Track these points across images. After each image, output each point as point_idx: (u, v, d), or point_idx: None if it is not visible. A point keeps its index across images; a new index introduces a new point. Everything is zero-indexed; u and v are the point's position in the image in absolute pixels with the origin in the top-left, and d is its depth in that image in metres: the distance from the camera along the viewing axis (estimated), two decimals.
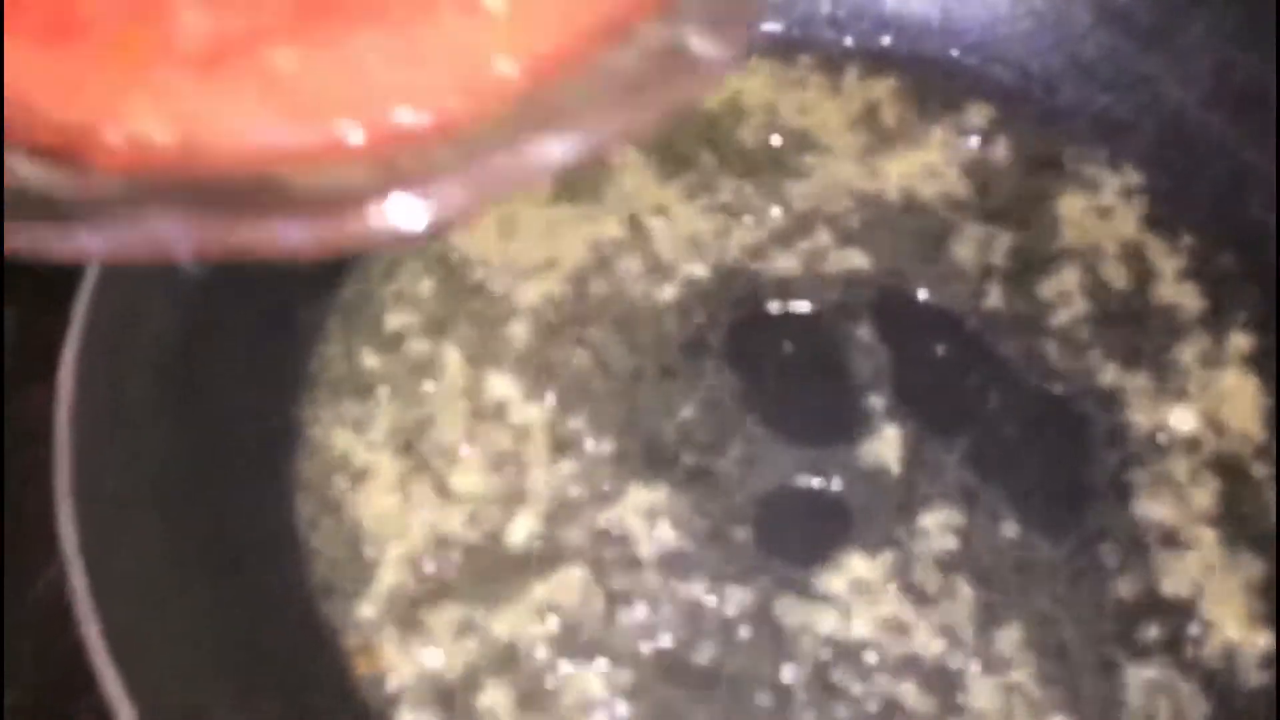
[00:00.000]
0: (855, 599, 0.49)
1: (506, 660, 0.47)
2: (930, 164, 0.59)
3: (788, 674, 0.47)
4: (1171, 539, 0.50)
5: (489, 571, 0.49)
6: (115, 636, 0.40)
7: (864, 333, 0.55)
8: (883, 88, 0.61)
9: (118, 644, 0.40)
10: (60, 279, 0.57)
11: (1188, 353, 0.55)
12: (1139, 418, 0.53)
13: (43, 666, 0.55)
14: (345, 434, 0.52)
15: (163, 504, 0.46)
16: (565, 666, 0.47)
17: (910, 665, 0.47)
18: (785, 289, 0.56)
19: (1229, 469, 0.52)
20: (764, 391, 0.53)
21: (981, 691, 0.47)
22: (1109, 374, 0.54)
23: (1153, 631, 0.48)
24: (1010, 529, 0.50)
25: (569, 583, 0.49)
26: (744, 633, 0.48)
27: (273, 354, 0.52)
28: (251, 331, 0.52)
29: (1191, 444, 0.53)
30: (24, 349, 0.61)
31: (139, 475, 0.45)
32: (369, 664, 0.47)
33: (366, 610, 0.48)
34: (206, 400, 0.49)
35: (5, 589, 0.55)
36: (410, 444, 0.52)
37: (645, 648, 0.48)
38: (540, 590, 0.49)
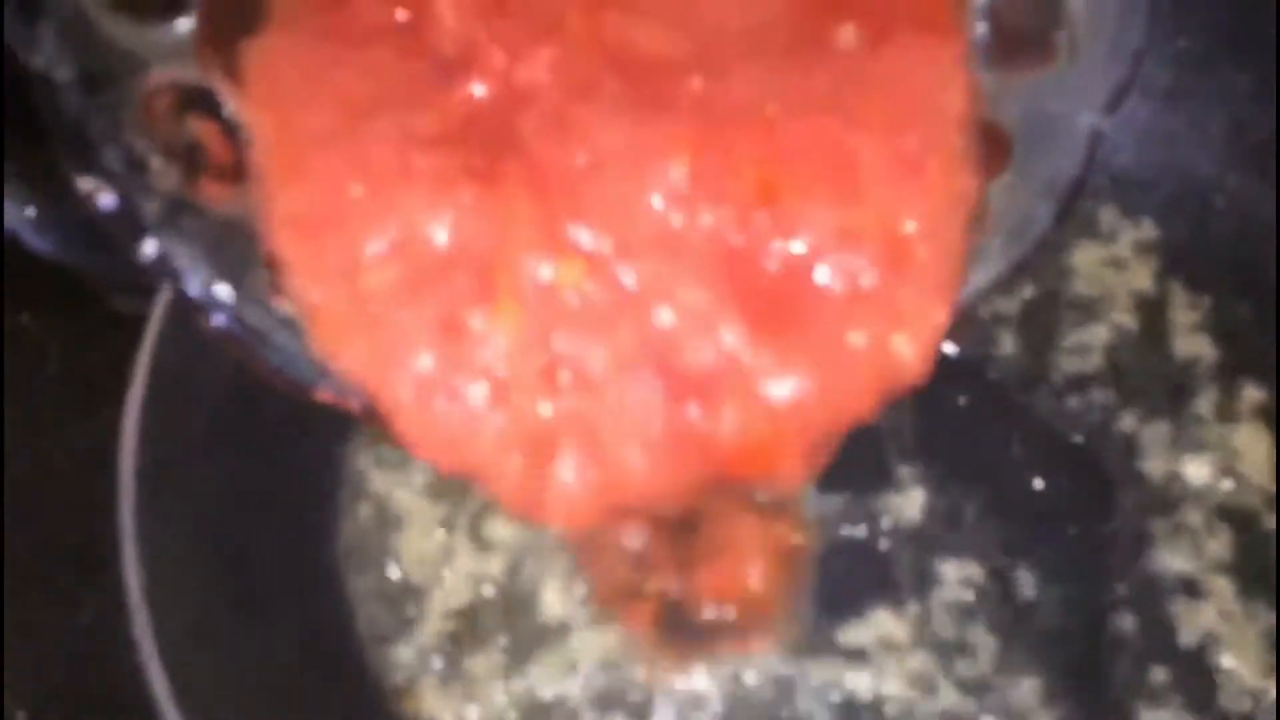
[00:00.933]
0: (881, 654, 0.50)
1: (543, 714, 0.49)
2: None
3: None
4: (1189, 588, 0.52)
5: (527, 623, 0.51)
6: (174, 673, 0.42)
7: None
8: None
9: (175, 680, 0.41)
10: (104, 320, 0.59)
11: (1203, 404, 0.56)
12: (1155, 468, 0.55)
13: (85, 692, 0.56)
14: (384, 478, 0.54)
15: (218, 547, 0.47)
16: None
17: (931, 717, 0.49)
18: None
19: (1243, 519, 0.53)
20: None
21: None
22: (1126, 423, 0.56)
23: (1171, 679, 0.50)
24: (1028, 579, 0.52)
25: (606, 638, 0.50)
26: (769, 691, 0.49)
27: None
28: None
29: (1206, 494, 0.54)
30: (68, 384, 0.63)
31: (197, 520, 0.47)
32: (412, 706, 0.49)
33: (407, 654, 0.50)
34: (258, 445, 0.51)
35: (49, 617, 0.56)
36: (448, 490, 0.53)
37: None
38: (578, 643, 0.50)
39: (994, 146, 0.38)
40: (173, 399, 0.47)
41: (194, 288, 0.36)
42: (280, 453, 0.52)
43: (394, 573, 0.52)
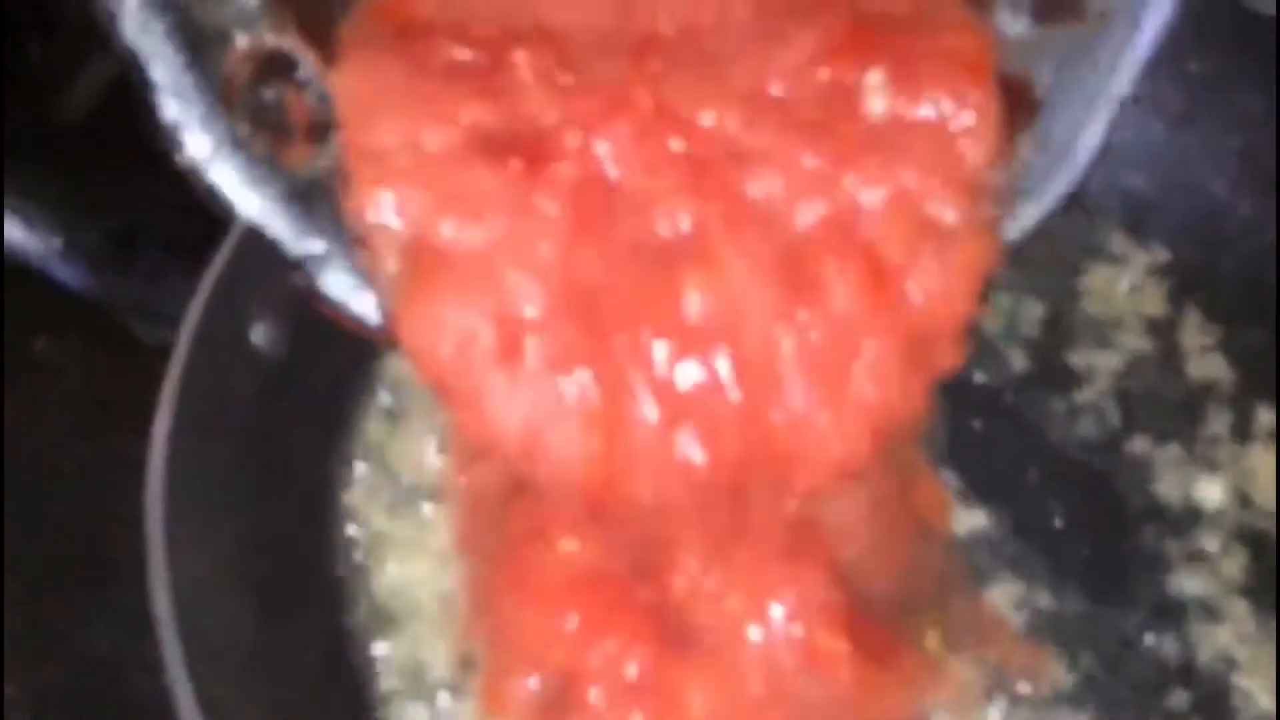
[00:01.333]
0: None
1: None
2: None
3: None
4: (1205, 610, 0.52)
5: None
6: (200, 692, 0.42)
7: None
8: None
9: (201, 699, 0.42)
10: (118, 344, 0.60)
11: (1217, 426, 0.57)
12: (1170, 490, 0.55)
13: (97, 707, 0.56)
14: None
15: (242, 575, 0.48)
16: None
17: None
18: None
19: (1258, 542, 0.54)
20: None
21: None
22: (1139, 446, 0.56)
23: (1189, 701, 0.50)
24: (1046, 600, 0.52)
25: None
26: None
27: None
28: (316, 399, 0.55)
29: (1221, 517, 0.54)
30: (84, 405, 0.64)
31: (223, 549, 0.47)
32: None
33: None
34: (283, 466, 0.51)
35: (62, 632, 0.57)
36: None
37: None
38: None
39: (1021, 100, 0.39)
40: (199, 421, 0.48)
41: (289, 246, 0.39)
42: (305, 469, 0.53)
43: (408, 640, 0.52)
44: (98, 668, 0.56)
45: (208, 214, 0.49)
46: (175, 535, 0.45)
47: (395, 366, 0.57)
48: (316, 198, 0.39)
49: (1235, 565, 0.53)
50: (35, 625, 0.56)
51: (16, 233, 0.49)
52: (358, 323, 0.40)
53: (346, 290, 0.40)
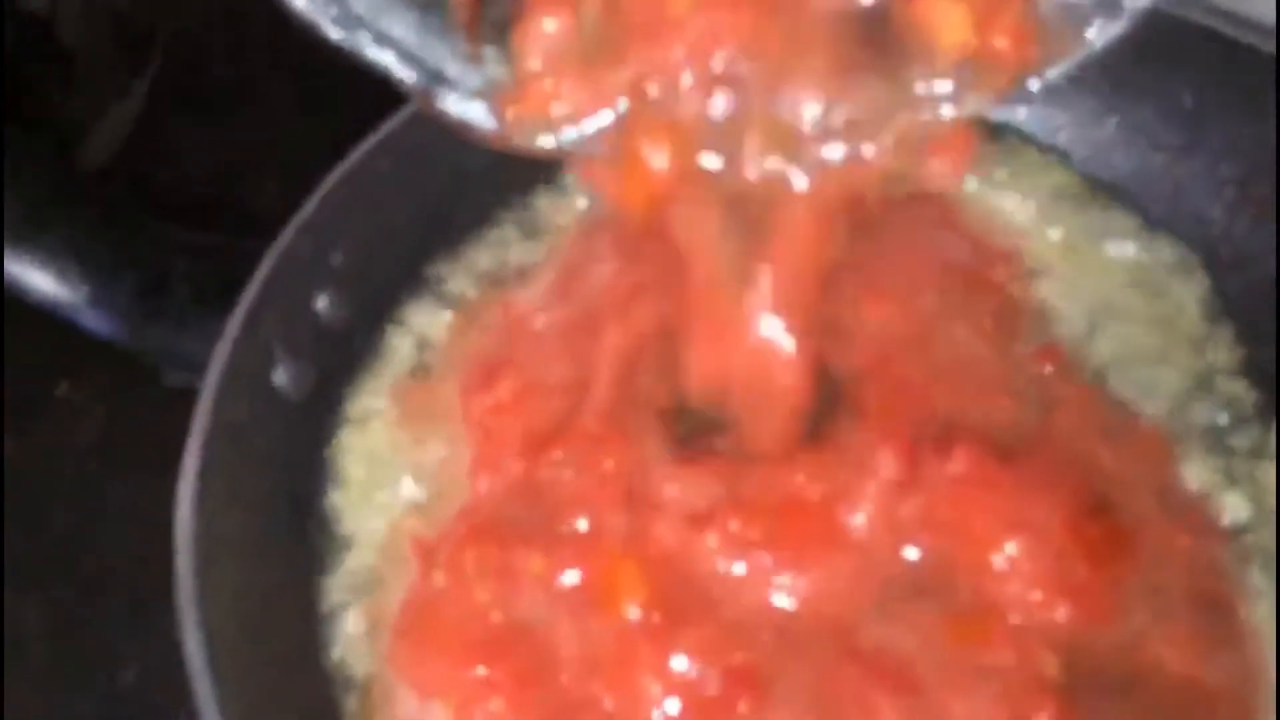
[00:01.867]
0: None
1: None
2: None
3: None
4: None
5: None
6: None
7: None
8: None
9: None
10: (140, 389, 0.61)
11: (1241, 444, 0.57)
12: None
13: None
14: None
15: (266, 620, 0.49)
16: None
17: None
18: None
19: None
20: None
21: None
22: None
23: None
24: None
25: None
26: None
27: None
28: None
29: (1244, 530, 0.54)
30: (108, 450, 0.65)
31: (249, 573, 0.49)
32: None
33: None
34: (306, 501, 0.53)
35: (94, 674, 0.58)
36: None
37: None
38: None
39: None
40: (226, 460, 0.49)
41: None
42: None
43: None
44: (129, 702, 0.58)
45: (232, 258, 0.51)
46: (203, 573, 0.46)
47: None
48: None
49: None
50: (67, 661, 0.58)
51: (47, 283, 0.51)
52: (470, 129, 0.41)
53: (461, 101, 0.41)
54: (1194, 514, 0.54)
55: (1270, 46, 0.58)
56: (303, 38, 0.39)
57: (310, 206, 0.53)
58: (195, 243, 0.55)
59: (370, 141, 0.56)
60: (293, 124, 0.73)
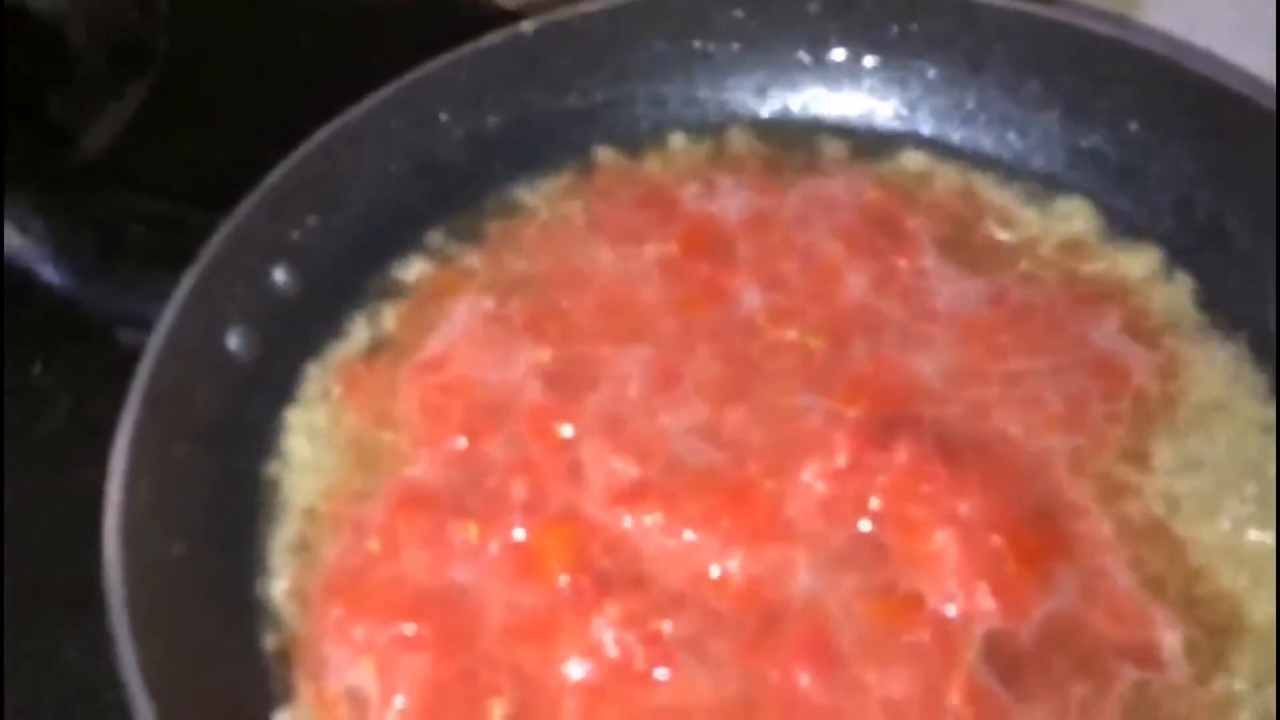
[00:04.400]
0: None
1: None
2: None
3: None
4: None
5: None
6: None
7: None
8: None
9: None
10: (106, 372, 0.62)
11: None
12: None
13: None
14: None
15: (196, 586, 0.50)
16: None
17: None
18: None
19: None
20: None
21: None
22: None
23: None
24: None
25: None
26: None
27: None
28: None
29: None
30: (74, 430, 0.66)
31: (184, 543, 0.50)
32: None
33: None
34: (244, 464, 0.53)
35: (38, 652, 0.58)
36: None
37: None
38: None
39: None
40: (164, 426, 0.50)
41: None
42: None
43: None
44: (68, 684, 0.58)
45: (196, 228, 0.52)
46: (132, 538, 0.47)
47: None
48: None
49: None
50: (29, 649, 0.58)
51: (14, 238, 0.52)
52: None
53: None
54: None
55: None
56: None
57: (271, 178, 0.55)
58: (160, 212, 0.57)
59: (336, 123, 0.58)
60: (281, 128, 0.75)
